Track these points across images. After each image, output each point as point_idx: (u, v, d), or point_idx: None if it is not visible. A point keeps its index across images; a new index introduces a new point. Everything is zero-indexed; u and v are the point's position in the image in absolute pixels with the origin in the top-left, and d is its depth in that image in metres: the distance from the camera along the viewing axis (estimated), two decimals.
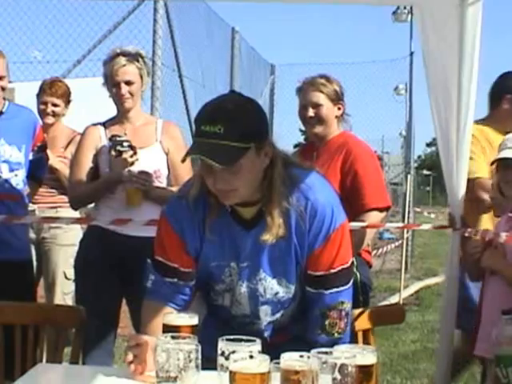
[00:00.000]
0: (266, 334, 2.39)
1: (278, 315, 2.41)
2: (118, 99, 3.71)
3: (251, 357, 1.77)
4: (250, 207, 2.27)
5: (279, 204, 2.22)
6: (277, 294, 2.35)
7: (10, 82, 3.83)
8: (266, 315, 2.39)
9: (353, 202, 3.55)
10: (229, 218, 2.30)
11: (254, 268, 2.32)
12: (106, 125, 3.78)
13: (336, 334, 2.31)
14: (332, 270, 2.28)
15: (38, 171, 3.99)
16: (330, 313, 2.31)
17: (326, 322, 2.31)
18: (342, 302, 2.32)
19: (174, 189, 3.70)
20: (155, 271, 2.39)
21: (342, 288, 2.31)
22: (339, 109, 3.72)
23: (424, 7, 3.52)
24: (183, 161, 2.21)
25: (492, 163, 3.32)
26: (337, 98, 3.71)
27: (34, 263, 4.68)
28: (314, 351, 1.81)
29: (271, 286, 2.34)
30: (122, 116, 3.77)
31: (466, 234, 3.57)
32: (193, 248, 2.34)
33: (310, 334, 2.33)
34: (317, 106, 3.66)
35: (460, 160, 3.53)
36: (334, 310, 2.31)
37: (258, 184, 2.22)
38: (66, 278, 4.74)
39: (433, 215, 18.33)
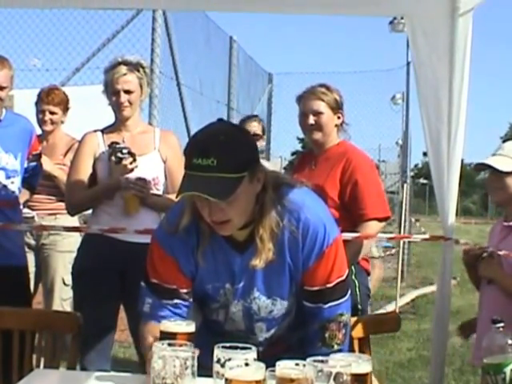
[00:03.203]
0: (261, 348, 2.35)
1: (272, 331, 2.43)
2: (117, 107, 3.73)
3: (247, 364, 1.78)
4: (242, 230, 2.26)
5: (270, 228, 2.22)
6: (271, 312, 2.37)
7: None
8: (261, 331, 2.42)
9: (352, 211, 3.58)
10: (221, 241, 2.29)
11: (248, 288, 2.33)
12: (104, 132, 3.80)
13: (335, 346, 2.33)
14: (329, 285, 2.30)
15: (33, 179, 4.03)
16: (330, 325, 2.33)
17: (326, 335, 2.33)
18: (341, 314, 2.34)
19: (171, 196, 3.73)
20: (152, 294, 2.36)
21: (340, 300, 2.33)
22: (339, 118, 3.75)
23: (415, 18, 3.54)
24: (177, 197, 2.16)
25: (476, 166, 3.33)
26: (337, 107, 3.74)
27: (33, 269, 4.71)
28: (309, 359, 1.82)
29: (265, 306, 2.35)
30: (120, 124, 3.79)
31: (462, 247, 3.57)
32: (188, 271, 2.33)
33: (308, 348, 2.32)
34: (317, 113, 3.69)
35: (451, 170, 3.53)
36: (333, 323, 2.33)
37: (250, 210, 2.21)
38: (64, 284, 4.75)
39: (431, 224, 18.36)
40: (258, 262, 2.24)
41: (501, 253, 3.19)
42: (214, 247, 2.30)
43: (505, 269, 3.19)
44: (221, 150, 2.07)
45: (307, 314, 2.35)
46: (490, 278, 3.23)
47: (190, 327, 2.17)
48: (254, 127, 5.38)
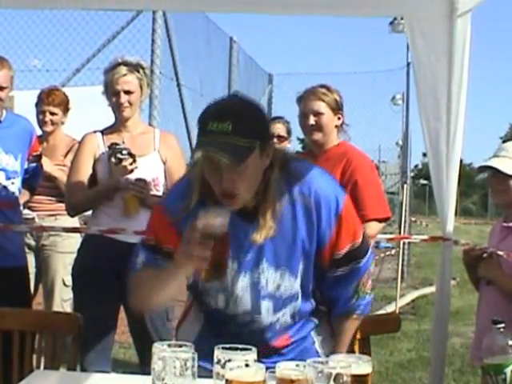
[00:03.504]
0: (267, 336, 2.37)
1: (279, 314, 2.38)
2: (116, 108, 3.74)
3: (247, 365, 1.79)
4: (249, 203, 2.27)
5: (273, 206, 2.24)
6: (279, 287, 2.33)
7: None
8: (267, 311, 2.36)
9: None
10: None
11: (257, 259, 2.31)
12: (104, 133, 3.80)
13: (367, 296, 2.40)
14: (357, 241, 2.34)
15: (33, 180, 4.03)
16: (363, 279, 2.38)
17: (358, 288, 2.38)
18: (368, 267, 2.40)
19: None
20: (147, 252, 2.35)
21: (368, 253, 2.39)
22: (339, 118, 3.76)
23: (414, 18, 3.55)
24: (192, 157, 2.22)
25: (479, 168, 3.33)
26: (337, 108, 3.75)
27: (34, 270, 4.71)
28: (309, 361, 1.83)
29: (273, 279, 2.32)
30: (120, 125, 3.79)
31: (462, 247, 3.58)
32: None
33: (340, 305, 2.39)
34: (318, 114, 3.70)
35: (450, 171, 3.54)
36: (365, 275, 2.39)
37: (257, 185, 2.24)
38: (64, 284, 4.75)
39: (430, 225, 18.38)
40: (259, 238, 2.26)
41: (501, 253, 3.19)
42: None
43: (504, 269, 3.20)
44: (236, 116, 2.12)
45: (342, 279, 2.36)
46: (489, 279, 3.23)
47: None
48: (279, 129, 5.36)
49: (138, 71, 3.74)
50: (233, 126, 2.09)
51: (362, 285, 2.38)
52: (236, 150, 2.09)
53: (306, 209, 2.28)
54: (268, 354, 2.26)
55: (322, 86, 3.78)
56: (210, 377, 1.94)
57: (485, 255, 3.25)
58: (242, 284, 2.33)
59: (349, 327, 2.44)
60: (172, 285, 2.27)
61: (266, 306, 2.35)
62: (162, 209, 2.37)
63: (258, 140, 2.15)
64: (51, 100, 4.82)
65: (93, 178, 3.74)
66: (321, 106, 3.71)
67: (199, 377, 1.92)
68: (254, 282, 2.33)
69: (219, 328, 2.40)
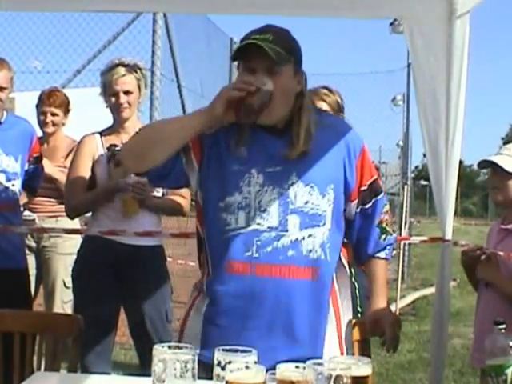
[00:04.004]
0: (290, 255, 2.32)
1: (305, 233, 2.35)
2: (115, 108, 3.74)
3: (247, 367, 1.79)
4: (280, 121, 2.38)
5: (307, 128, 2.37)
6: (307, 202, 2.36)
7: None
8: (294, 227, 2.34)
9: None
10: (258, 128, 2.37)
11: (287, 173, 2.35)
12: (102, 134, 3.80)
13: (393, 233, 2.61)
14: (374, 177, 2.54)
15: (33, 182, 4.03)
16: (383, 217, 2.56)
17: (384, 225, 2.55)
18: (385, 204, 2.59)
19: (171, 197, 3.73)
20: None
21: (382, 191, 2.59)
22: None
23: (413, 20, 3.55)
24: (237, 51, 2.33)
25: (480, 163, 3.33)
26: (338, 109, 3.74)
27: (34, 271, 4.72)
28: (309, 362, 1.83)
29: (301, 193, 2.35)
30: (118, 126, 3.79)
31: (460, 248, 3.58)
32: (208, 144, 2.39)
33: (371, 246, 2.55)
34: None
35: (449, 172, 3.54)
36: (383, 214, 2.56)
37: (290, 106, 2.36)
38: (65, 286, 4.76)
39: (431, 225, 18.39)
40: (290, 153, 2.35)
41: (501, 253, 3.19)
42: (251, 138, 2.37)
43: (502, 271, 3.20)
44: (277, 32, 2.34)
45: (367, 217, 2.52)
46: (487, 281, 3.24)
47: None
48: None
49: (136, 72, 3.74)
50: (273, 38, 2.29)
51: (385, 223, 2.56)
52: (276, 53, 2.27)
53: (336, 138, 2.44)
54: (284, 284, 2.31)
55: (324, 87, 3.78)
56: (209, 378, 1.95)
57: (483, 257, 3.25)
58: (270, 197, 2.34)
59: (382, 270, 2.58)
60: (180, 136, 2.34)
61: (292, 221, 2.34)
62: None
63: (292, 57, 2.34)
64: (52, 101, 4.82)
65: (92, 179, 3.74)
66: (322, 107, 3.70)
67: (199, 378, 1.92)
68: (282, 195, 2.34)
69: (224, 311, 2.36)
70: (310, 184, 2.36)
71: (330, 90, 3.76)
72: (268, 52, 2.25)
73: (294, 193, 2.35)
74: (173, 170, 2.39)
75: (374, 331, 2.58)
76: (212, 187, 2.38)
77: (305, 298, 2.35)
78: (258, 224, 2.33)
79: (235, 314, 2.34)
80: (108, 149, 3.70)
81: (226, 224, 2.35)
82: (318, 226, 2.37)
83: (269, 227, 2.33)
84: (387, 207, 2.61)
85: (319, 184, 2.37)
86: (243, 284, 2.33)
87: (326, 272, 2.40)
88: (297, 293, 2.33)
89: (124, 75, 3.70)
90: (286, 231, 2.33)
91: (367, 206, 2.52)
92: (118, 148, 3.65)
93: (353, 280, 3.52)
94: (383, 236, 2.56)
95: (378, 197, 2.54)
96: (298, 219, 2.35)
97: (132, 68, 3.74)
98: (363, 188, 2.49)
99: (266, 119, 2.33)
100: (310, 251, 2.35)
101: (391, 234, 2.59)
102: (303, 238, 2.35)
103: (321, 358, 2.28)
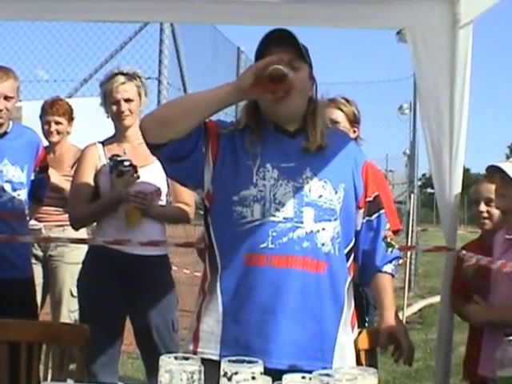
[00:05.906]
0: (305, 245, 2.35)
1: (319, 226, 2.38)
2: (117, 117, 3.73)
3: (253, 378, 1.78)
4: (293, 124, 2.46)
5: (321, 128, 2.45)
6: (320, 196, 2.40)
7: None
8: (309, 219, 2.37)
9: None
10: (273, 131, 2.45)
11: (301, 168, 2.40)
12: (104, 144, 3.80)
13: (396, 246, 2.65)
14: (376, 193, 2.58)
15: (39, 191, 4.04)
16: (387, 232, 2.61)
17: (388, 240, 2.60)
18: (387, 222, 2.64)
19: (176, 205, 3.73)
20: None
21: (383, 208, 2.62)
22: (354, 132, 3.71)
23: (416, 30, 3.56)
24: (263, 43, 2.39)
25: (488, 168, 3.32)
26: (354, 121, 3.72)
27: (41, 281, 4.72)
28: (315, 373, 1.83)
29: (316, 187, 2.40)
30: (120, 135, 3.79)
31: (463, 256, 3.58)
32: (224, 143, 2.44)
33: (379, 259, 2.58)
34: (335, 122, 3.61)
35: (453, 181, 3.54)
36: (387, 230, 2.61)
37: (304, 106, 2.45)
38: (72, 295, 4.75)
39: (439, 233, 18.30)
40: (309, 146, 2.42)
41: (498, 262, 3.18)
42: (264, 135, 2.44)
43: (497, 283, 3.19)
44: (295, 39, 2.39)
45: (372, 230, 2.56)
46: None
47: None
48: None
49: (136, 79, 3.75)
50: (293, 44, 2.38)
51: (389, 238, 2.61)
52: (297, 47, 2.38)
53: (345, 144, 2.55)
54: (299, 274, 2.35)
55: (342, 97, 3.76)
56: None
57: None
58: (285, 191, 2.38)
59: (390, 284, 2.61)
60: (206, 106, 2.39)
61: (307, 213, 2.37)
62: (214, 121, 2.52)
63: (308, 59, 2.45)
64: (55, 110, 4.84)
65: (95, 190, 3.73)
66: (339, 115, 3.68)
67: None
68: (297, 188, 2.38)
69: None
70: (323, 179, 2.42)
71: (347, 100, 3.74)
72: (297, 39, 2.36)
73: (308, 186, 2.39)
74: (191, 154, 2.40)
75: (389, 344, 2.57)
76: (226, 182, 2.41)
77: (321, 289, 2.39)
78: (274, 216, 2.36)
79: (254, 307, 2.34)
80: (110, 159, 3.69)
81: (242, 217, 2.37)
82: (330, 220, 2.41)
83: (284, 218, 2.36)
84: (389, 225, 2.65)
85: (332, 180, 2.43)
86: (260, 276, 2.35)
87: (337, 266, 2.44)
88: (314, 284, 2.37)
89: (124, 83, 3.71)
90: (302, 223, 2.37)
91: (372, 217, 2.56)
92: (120, 158, 3.65)
93: (360, 290, 3.52)
94: (389, 249, 2.60)
95: (381, 211, 2.60)
96: (312, 212, 2.38)
97: (131, 76, 3.75)
98: (369, 199, 2.55)
99: (283, 109, 2.39)
100: (323, 244, 2.39)
101: (395, 248, 2.63)
102: (318, 231, 2.38)
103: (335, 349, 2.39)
